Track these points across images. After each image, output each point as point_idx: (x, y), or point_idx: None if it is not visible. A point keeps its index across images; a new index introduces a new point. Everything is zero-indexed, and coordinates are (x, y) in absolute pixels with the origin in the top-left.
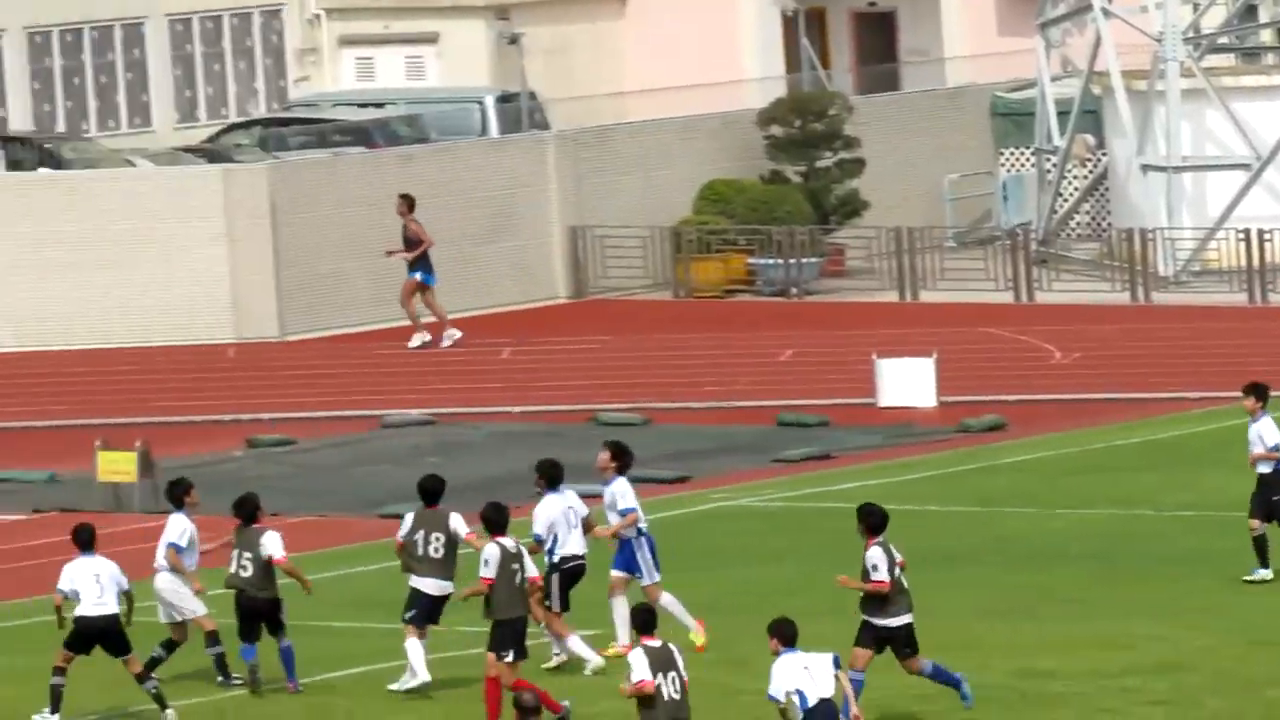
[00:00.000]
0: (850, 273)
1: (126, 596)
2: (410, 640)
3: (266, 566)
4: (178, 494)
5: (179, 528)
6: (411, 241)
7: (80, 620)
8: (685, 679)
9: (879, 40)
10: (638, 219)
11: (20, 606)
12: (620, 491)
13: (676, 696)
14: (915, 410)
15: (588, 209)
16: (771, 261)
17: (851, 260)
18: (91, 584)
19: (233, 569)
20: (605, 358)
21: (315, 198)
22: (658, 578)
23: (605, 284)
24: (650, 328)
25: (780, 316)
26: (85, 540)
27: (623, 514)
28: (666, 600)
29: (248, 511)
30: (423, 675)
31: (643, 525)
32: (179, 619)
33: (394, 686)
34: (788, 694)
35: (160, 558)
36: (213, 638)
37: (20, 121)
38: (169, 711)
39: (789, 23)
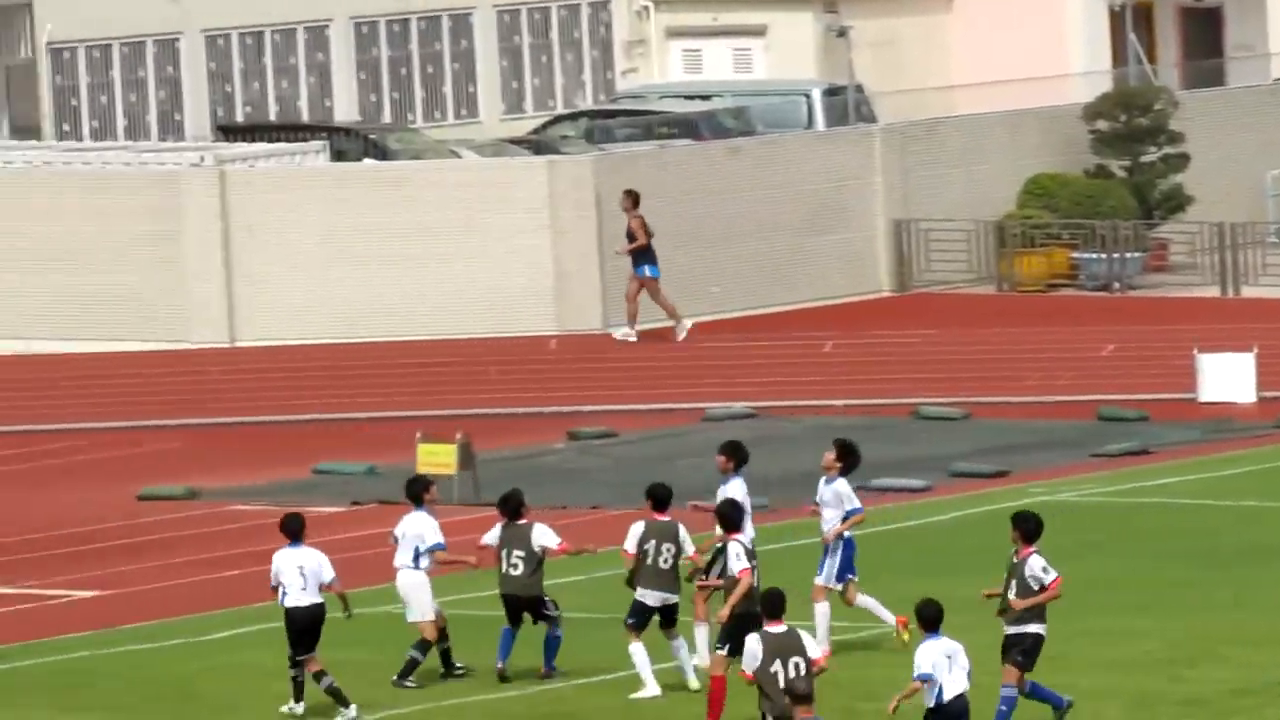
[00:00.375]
0: (1173, 268)
1: (338, 593)
2: (633, 645)
3: (539, 561)
4: (417, 491)
5: (422, 523)
6: (633, 238)
7: (286, 612)
8: (811, 664)
9: (1205, 35)
10: (961, 213)
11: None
12: (845, 492)
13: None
14: (1235, 406)
15: (913, 203)
16: (1095, 256)
17: (1174, 255)
18: (295, 575)
19: (503, 569)
20: (927, 351)
21: (640, 190)
22: (835, 585)
23: (929, 278)
24: (972, 322)
25: (1102, 311)
26: (294, 531)
27: (849, 514)
28: (863, 600)
29: (512, 507)
30: (651, 688)
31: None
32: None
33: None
34: (922, 678)
35: (403, 558)
36: (424, 646)
37: (346, 112)
38: (351, 709)
39: (1116, 18)
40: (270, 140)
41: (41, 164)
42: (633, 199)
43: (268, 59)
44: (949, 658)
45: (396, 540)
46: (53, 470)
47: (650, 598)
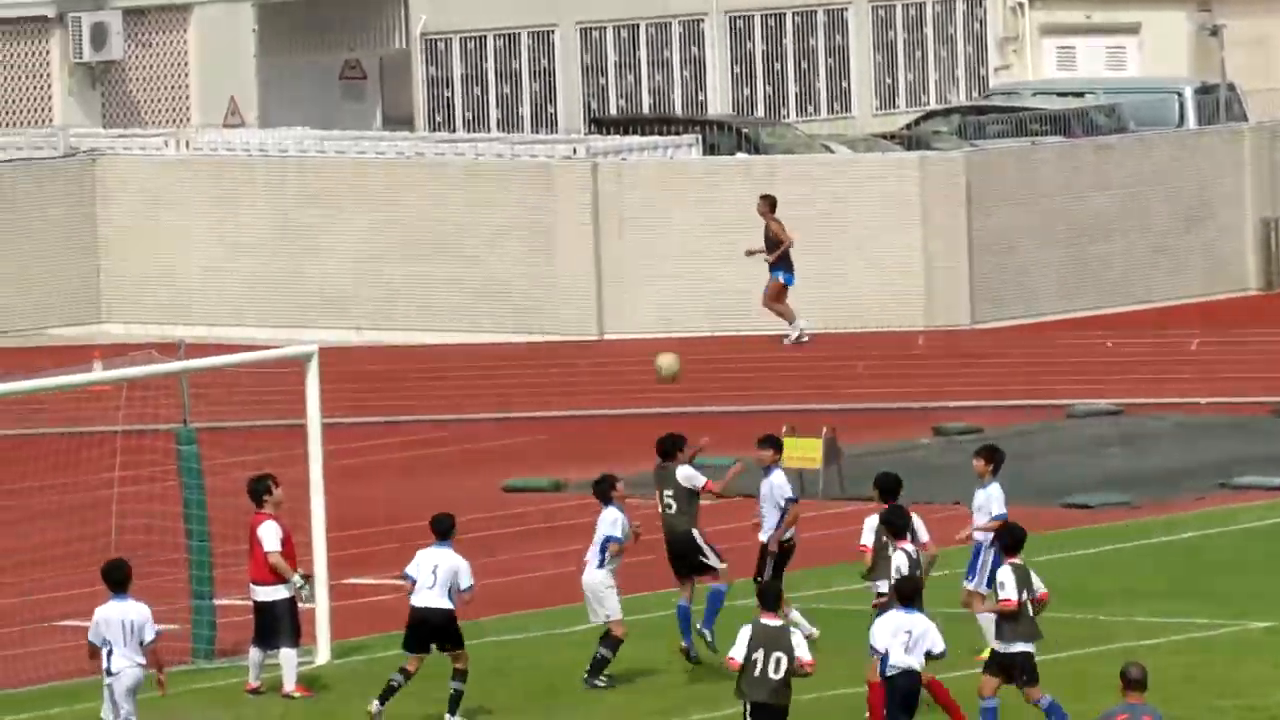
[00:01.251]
0: None
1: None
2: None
3: (690, 497)
4: (604, 489)
5: (610, 518)
6: (772, 243)
7: (411, 610)
8: (795, 661)
9: None
10: None
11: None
12: (996, 495)
13: (774, 677)
14: None
15: None
16: None
17: None
18: (428, 574)
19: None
20: None
21: (1011, 186)
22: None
23: None
24: None
25: None
26: (443, 530)
27: (996, 518)
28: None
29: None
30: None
31: None
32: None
33: None
34: (873, 649)
35: (594, 553)
36: (612, 642)
37: (719, 106)
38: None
39: None
40: (643, 133)
41: (414, 154)
42: (770, 204)
43: (642, 52)
44: (908, 633)
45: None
46: (422, 460)
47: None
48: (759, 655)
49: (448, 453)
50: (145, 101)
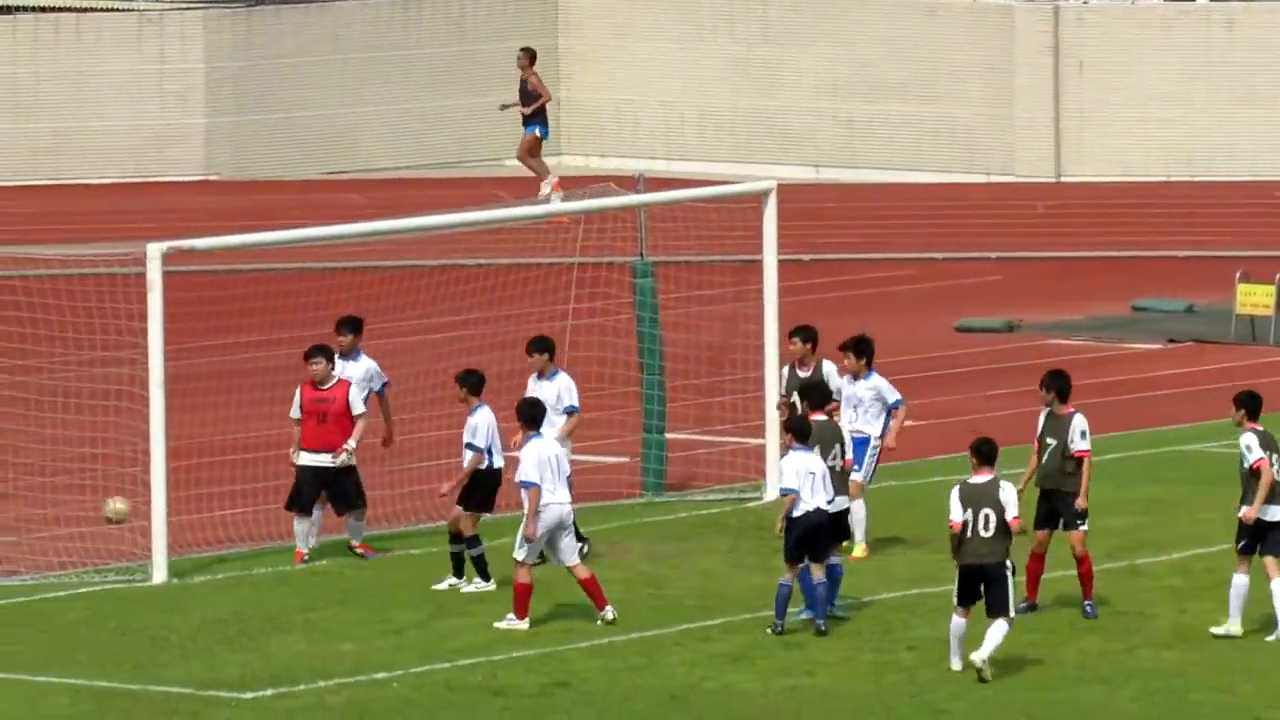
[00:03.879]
0: None
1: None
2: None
3: None
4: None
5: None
6: (530, 95)
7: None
8: (1005, 518)
9: None
10: None
11: (1143, 436)
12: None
13: (985, 534)
14: None
15: None
16: None
17: None
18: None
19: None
20: None
21: None
22: None
23: None
24: None
25: None
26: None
27: None
28: None
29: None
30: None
31: None
32: None
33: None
34: (784, 491)
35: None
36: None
37: None
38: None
39: None
40: None
41: None
42: (530, 56)
43: None
44: (812, 474)
45: None
46: (875, 299)
47: None
48: (969, 515)
49: (904, 292)
50: None
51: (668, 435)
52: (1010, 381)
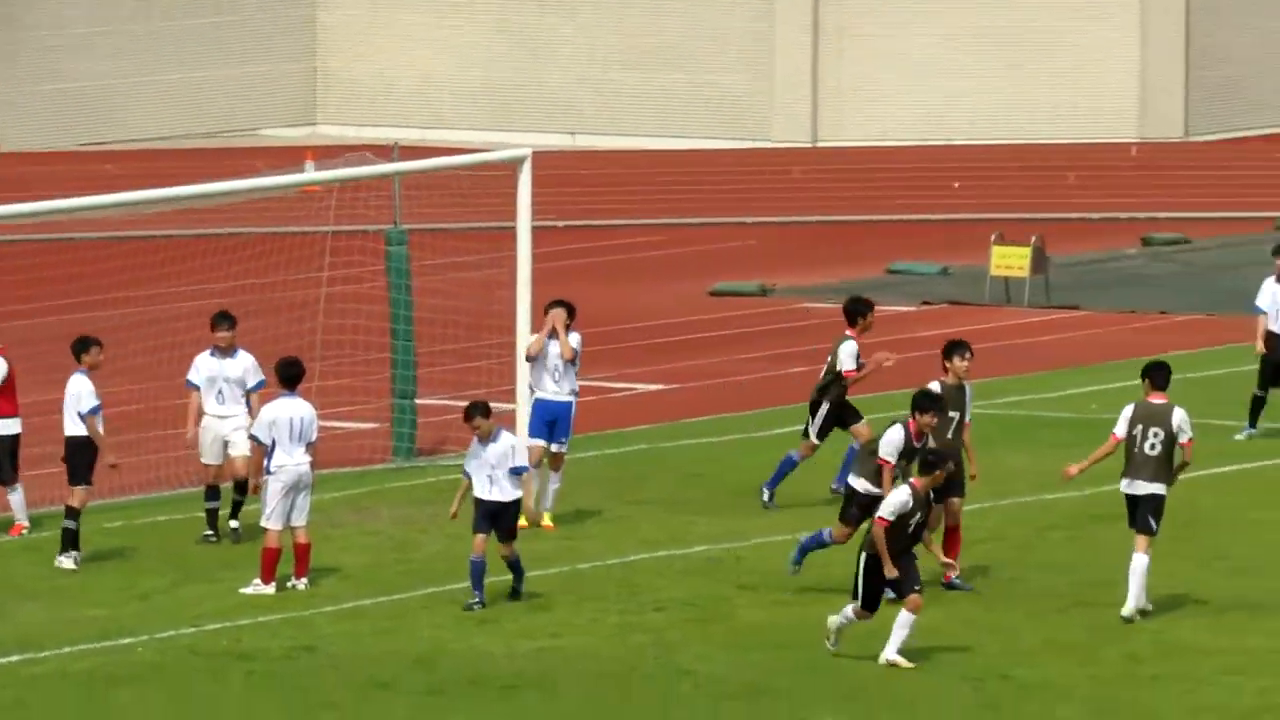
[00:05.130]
0: None
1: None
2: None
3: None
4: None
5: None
6: None
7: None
8: (1175, 441)
9: None
10: None
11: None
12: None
13: (1150, 454)
14: None
15: None
16: None
17: None
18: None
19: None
20: None
21: None
22: None
23: None
24: None
25: None
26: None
27: None
28: None
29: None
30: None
31: None
32: None
33: None
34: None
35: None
36: None
37: None
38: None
39: None
40: None
41: None
42: None
43: None
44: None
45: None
46: (629, 265)
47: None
48: (1138, 431)
49: (657, 257)
50: None
51: (419, 401)
52: (763, 345)
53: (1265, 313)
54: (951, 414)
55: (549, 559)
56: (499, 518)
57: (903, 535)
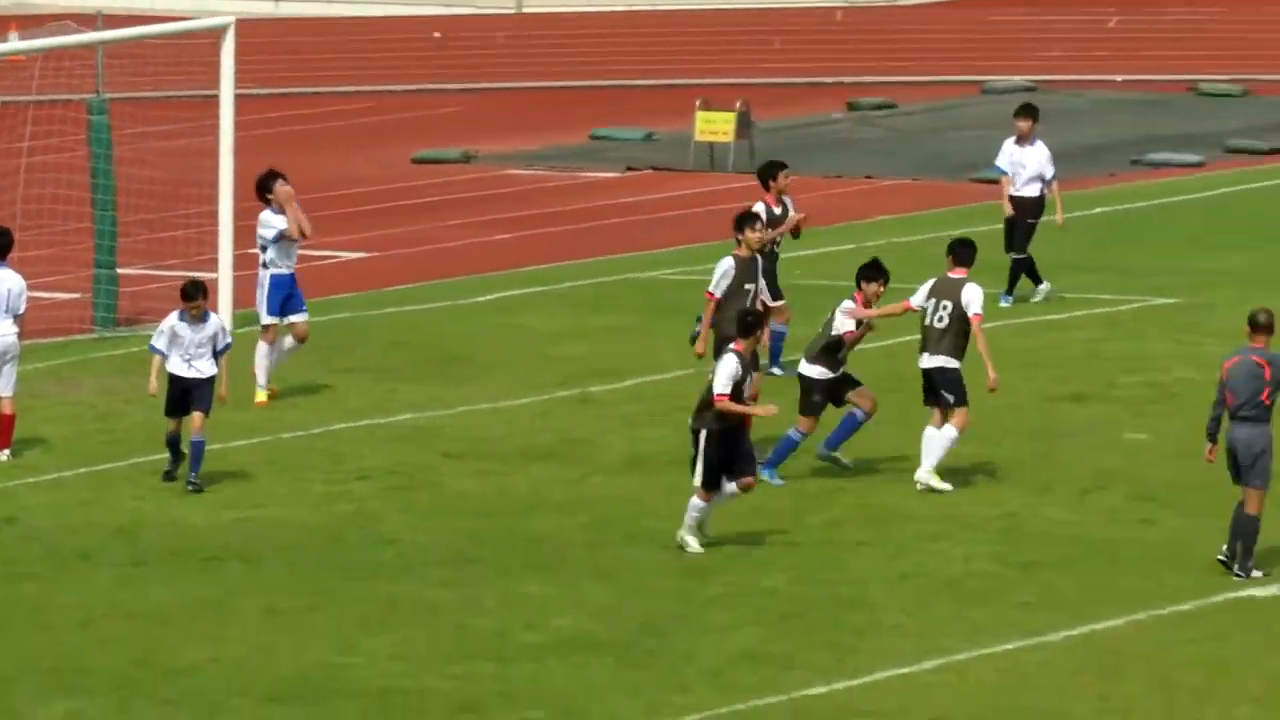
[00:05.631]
0: None
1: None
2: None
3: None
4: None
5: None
6: None
7: None
8: (964, 313)
9: None
10: None
11: (599, 265)
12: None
13: (938, 327)
14: None
15: None
16: None
17: None
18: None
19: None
20: (1210, 28)
21: None
22: None
23: None
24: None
25: None
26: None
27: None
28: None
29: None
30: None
31: None
32: None
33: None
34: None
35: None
36: None
37: None
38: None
39: None
40: None
41: None
42: None
43: None
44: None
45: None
46: (332, 133)
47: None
48: (930, 304)
49: (360, 125)
50: None
51: (119, 271)
52: (466, 212)
53: (1006, 173)
54: (747, 286)
55: (252, 429)
56: (194, 394)
57: (739, 401)
